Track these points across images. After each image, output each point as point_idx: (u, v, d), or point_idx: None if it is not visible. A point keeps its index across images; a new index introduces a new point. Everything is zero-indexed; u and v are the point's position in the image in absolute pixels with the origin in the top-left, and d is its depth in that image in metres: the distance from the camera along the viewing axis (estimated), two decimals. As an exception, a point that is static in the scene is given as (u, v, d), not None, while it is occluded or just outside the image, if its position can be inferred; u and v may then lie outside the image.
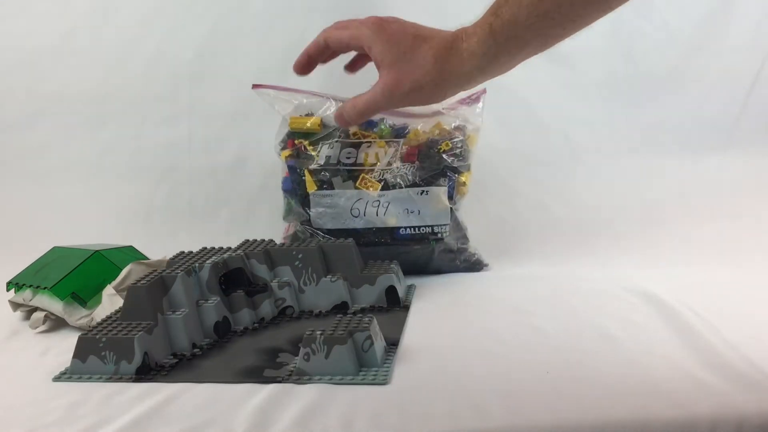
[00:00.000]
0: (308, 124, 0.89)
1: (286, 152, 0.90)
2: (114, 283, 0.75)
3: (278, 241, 0.87)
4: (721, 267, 0.88)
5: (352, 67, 0.75)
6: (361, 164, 0.88)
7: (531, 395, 0.55)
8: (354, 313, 0.73)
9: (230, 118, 1.12)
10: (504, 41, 0.62)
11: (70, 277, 0.75)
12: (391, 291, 0.77)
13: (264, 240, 0.81)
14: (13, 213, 1.08)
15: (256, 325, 0.72)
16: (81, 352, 0.61)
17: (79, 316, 0.73)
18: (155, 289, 0.67)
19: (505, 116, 1.11)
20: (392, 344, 0.65)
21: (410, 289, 0.83)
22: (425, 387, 0.57)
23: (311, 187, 0.88)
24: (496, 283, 0.85)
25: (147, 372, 0.60)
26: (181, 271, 0.69)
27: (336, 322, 0.61)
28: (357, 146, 0.88)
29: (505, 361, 0.62)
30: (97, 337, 0.61)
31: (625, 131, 1.15)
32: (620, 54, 1.15)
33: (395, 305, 0.77)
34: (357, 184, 0.87)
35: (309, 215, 0.88)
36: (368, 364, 0.59)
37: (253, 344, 0.67)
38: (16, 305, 0.77)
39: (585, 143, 1.15)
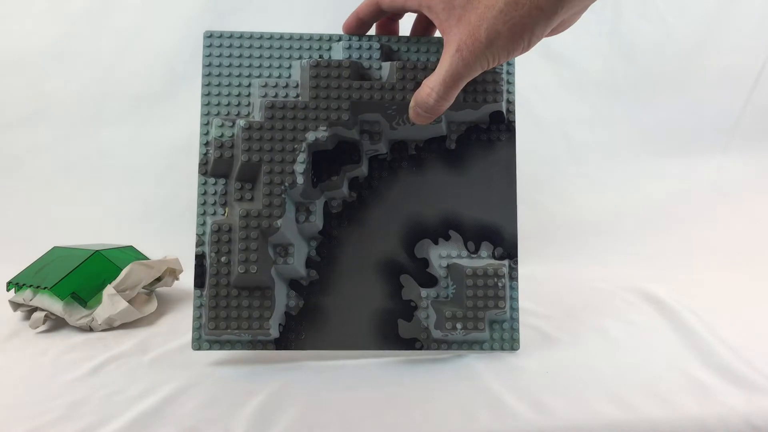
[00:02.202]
0: None
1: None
2: (114, 283, 0.75)
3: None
4: (722, 267, 0.88)
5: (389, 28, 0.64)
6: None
7: (530, 395, 0.55)
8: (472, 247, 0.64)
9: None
10: None
11: (70, 277, 0.75)
12: (496, 115, 0.64)
13: (339, 71, 0.60)
14: (13, 213, 1.08)
15: (353, 195, 0.63)
16: (215, 332, 0.59)
17: (79, 316, 0.73)
18: (261, 249, 0.58)
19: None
20: (510, 255, 0.64)
21: (511, 73, 0.67)
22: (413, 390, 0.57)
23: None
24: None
25: (283, 338, 0.61)
26: (278, 216, 0.58)
27: (470, 289, 0.60)
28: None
29: (504, 361, 0.62)
30: (228, 329, 0.59)
31: (625, 131, 1.15)
32: (620, 54, 1.15)
33: (499, 123, 0.65)
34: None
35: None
36: (498, 319, 0.62)
37: (363, 249, 0.62)
38: (16, 305, 0.77)
39: (585, 143, 1.15)
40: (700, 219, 1.04)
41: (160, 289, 0.82)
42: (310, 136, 0.59)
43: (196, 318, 0.61)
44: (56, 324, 0.74)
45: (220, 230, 0.58)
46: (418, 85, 0.59)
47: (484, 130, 0.65)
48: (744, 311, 0.72)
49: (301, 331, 0.62)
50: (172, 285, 0.82)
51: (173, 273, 0.81)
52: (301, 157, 0.59)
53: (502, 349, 0.62)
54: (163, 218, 1.09)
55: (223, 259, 0.58)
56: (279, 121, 0.59)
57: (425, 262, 0.63)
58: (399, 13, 0.62)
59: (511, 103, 0.66)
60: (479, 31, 0.53)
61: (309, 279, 0.63)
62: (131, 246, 0.85)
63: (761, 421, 0.50)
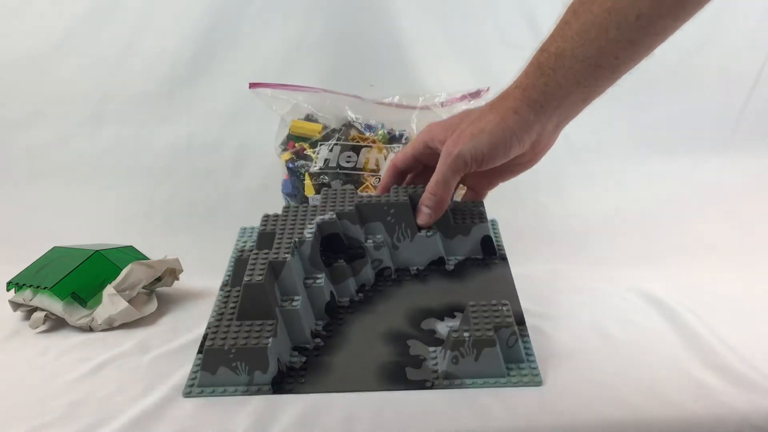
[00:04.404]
0: (308, 129, 0.89)
1: (286, 155, 0.90)
2: (114, 283, 0.75)
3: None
4: (721, 267, 0.88)
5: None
6: (361, 168, 0.87)
7: (530, 395, 0.55)
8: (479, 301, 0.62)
9: (230, 117, 1.12)
10: (552, 73, 0.62)
11: (70, 277, 0.75)
12: (486, 240, 0.72)
13: (345, 189, 0.73)
14: (13, 213, 1.08)
15: (360, 295, 0.68)
16: (209, 364, 0.57)
17: (79, 316, 0.73)
18: (269, 280, 0.61)
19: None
20: (519, 322, 0.61)
21: (495, 228, 0.78)
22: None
23: (309, 191, 0.87)
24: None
25: (282, 380, 0.57)
26: (287, 253, 0.63)
27: (474, 314, 0.59)
28: (357, 150, 0.88)
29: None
30: (225, 348, 0.56)
31: (625, 131, 1.15)
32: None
33: (491, 254, 0.72)
34: (360, 190, 0.86)
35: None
36: (513, 360, 0.58)
37: (370, 326, 0.64)
38: (16, 305, 0.77)
39: (585, 143, 1.14)
40: (700, 219, 1.03)
41: (160, 289, 0.82)
42: (318, 218, 0.69)
43: (194, 371, 0.59)
44: (56, 324, 0.74)
45: (240, 259, 0.65)
46: (409, 197, 0.70)
47: (480, 260, 0.72)
48: (744, 311, 0.72)
49: (301, 378, 0.58)
50: (172, 285, 0.82)
51: (173, 273, 0.81)
52: (310, 227, 0.67)
53: (523, 384, 0.57)
54: (163, 218, 1.09)
55: (236, 288, 0.62)
56: (293, 213, 0.70)
57: (432, 332, 0.63)
58: (411, 165, 0.73)
59: (500, 245, 0.74)
60: (464, 136, 0.65)
61: (314, 344, 0.62)
62: (131, 246, 0.85)
63: (761, 421, 0.50)
